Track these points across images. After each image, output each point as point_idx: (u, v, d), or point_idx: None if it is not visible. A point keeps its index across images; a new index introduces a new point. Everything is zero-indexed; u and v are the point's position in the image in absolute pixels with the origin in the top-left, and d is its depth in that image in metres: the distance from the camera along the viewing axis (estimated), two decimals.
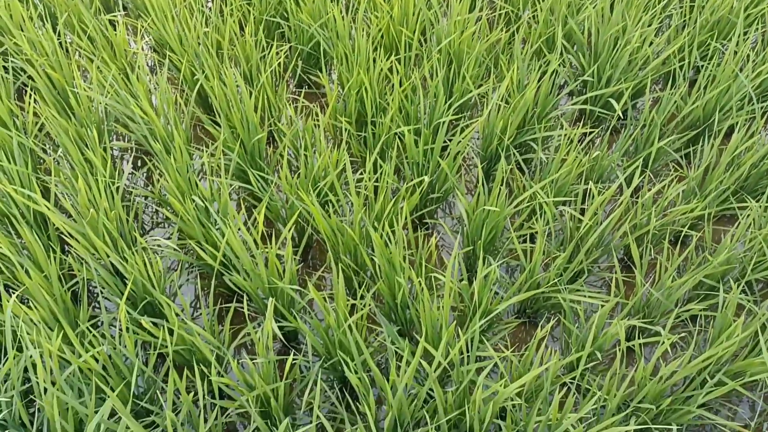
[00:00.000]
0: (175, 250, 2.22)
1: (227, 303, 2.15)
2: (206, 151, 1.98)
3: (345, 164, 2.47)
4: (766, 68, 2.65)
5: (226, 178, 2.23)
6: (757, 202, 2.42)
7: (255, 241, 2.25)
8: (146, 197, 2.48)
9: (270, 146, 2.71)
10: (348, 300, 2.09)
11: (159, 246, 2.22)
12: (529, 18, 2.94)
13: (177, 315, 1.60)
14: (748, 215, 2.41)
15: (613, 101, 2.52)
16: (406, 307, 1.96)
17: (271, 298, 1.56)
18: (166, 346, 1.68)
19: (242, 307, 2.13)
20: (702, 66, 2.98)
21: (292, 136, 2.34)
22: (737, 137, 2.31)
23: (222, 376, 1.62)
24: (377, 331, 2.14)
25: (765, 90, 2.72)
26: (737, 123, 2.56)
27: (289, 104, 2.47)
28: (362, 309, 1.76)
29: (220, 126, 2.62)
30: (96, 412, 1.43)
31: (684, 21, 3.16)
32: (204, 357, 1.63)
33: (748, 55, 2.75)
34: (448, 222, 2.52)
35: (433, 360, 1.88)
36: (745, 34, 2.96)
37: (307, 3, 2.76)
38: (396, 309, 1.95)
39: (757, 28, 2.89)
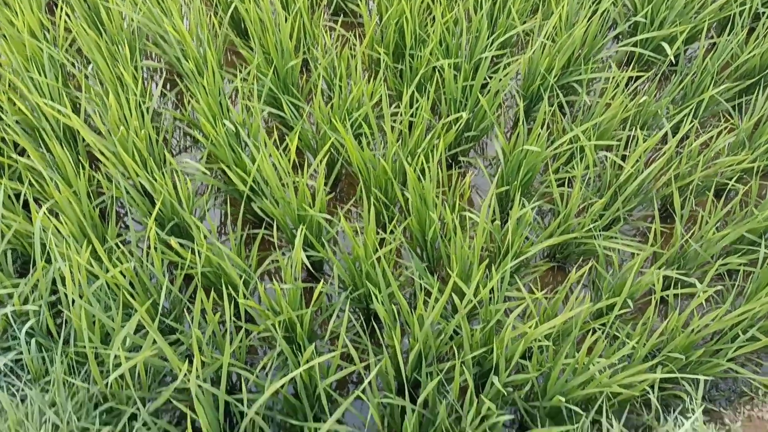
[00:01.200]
0: (204, 174, 2.20)
1: (254, 230, 2.13)
2: (239, 76, 1.92)
3: (381, 96, 2.39)
4: None
5: (258, 104, 2.18)
6: None
7: (286, 168, 2.22)
8: (176, 119, 2.44)
9: (303, 75, 2.64)
10: (378, 233, 2.06)
11: (188, 168, 2.20)
12: None
13: (205, 237, 1.59)
14: None
15: (665, 45, 2.38)
16: (436, 244, 1.92)
17: (301, 225, 1.53)
18: (193, 267, 1.67)
19: (270, 235, 2.12)
20: (763, 13, 2.80)
21: (326, 65, 2.27)
22: None
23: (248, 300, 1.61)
24: (405, 266, 2.11)
25: None
26: None
27: (325, 32, 2.38)
28: (392, 243, 1.72)
29: (253, 51, 2.55)
30: (123, 327, 1.43)
31: None
32: (230, 280, 1.62)
33: None
34: (483, 163, 2.45)
35: (460, 298, 1.85)
36: None
37: None
38: (425, 246, 1.92)
39: None
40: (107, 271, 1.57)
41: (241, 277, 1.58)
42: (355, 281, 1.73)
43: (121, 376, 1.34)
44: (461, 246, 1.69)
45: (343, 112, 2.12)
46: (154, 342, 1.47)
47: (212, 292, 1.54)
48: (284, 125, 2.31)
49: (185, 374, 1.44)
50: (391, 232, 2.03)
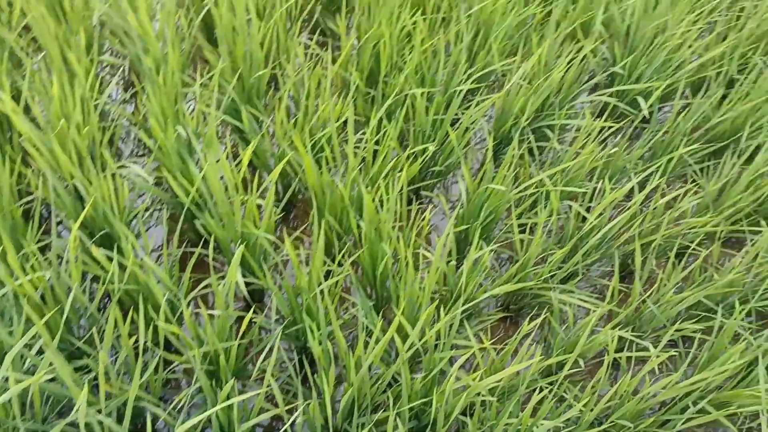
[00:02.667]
0: (145, 180, 2.08)
1: (194, 248, 2.01)
2: (198, 80, 1.81)
3: (348, 119, 2.31)
4: None
5: (217, 112, 2.07)
6: None
7: (235, 183, 2.10)
8: (131, 123, 2.31)
9: (271, 89, 2.54)
10: (325, 263, 1.95)
11: (131, 174, 2.07)
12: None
13: (134, 249, 1.46)
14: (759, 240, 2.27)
15: (641, 99, 2.36)
16: (386, 281, 1.82)
17: (240, 244, 1.42)
18: (114, 283, 1.54)
19: (212, 256, 1.99)
20: (737, 79, 2.81)
21: (296, 82, 2.18)
22: (762, 157, 2.16)
23: (173, 323, 1.48)
24: (350, 303, 2.01)
25: None
26: (766, 143, 2.41)
27: (300, 47, 2.29)
28: (339, 275, 1.62)
29: (220, 57, 2.45)
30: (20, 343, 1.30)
31: (728, 28, 2.98)
32: (155, 301, 1.49)
33: None
34: (445, 200, 2.37)
35: (405, 341, 1.75)
36: None
37: None
38: (375, 282, 1.82)
39: None
40: (17, 279, 1.43)
41: (165, 296, 1.45)
42: (294, 314, 1.62)
43: (10, 401, 1.20)
44: (411, 284, 1.60)
45: (305, 132, 2.03)
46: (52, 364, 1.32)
47: (131, 313, 1.41)
48: (243, 139, 2.21)
49: (88, 405, 1.30)
50: (340, 264, 1.93)
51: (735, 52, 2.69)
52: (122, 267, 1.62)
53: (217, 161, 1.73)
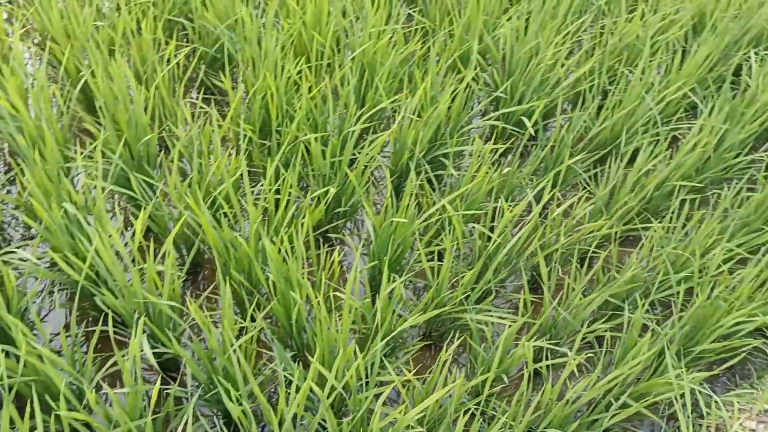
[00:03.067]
0: (38, 265, 1.97)
1: (103, 327, 1.91)
2: (81, 153, 1.75)
3: (243, 173, 2.29)
4: (670, 92, 2.71)
5: (105, 183, 2.01)
6: (659, 223, 2.44)
7: (131, 254, 2.03)
8: (7, 203, 2.20)
9: (161, 153, 2.49)
10: (237, 321, 1.91)
11: (17, 260, 1.95)
12: (445, 33, 2.89)
13: (25, 336, 1.37)
14: (652, 236, 2.42)
15: (524, 119, 2.49)
16: (302, 329, 1.80)
17: (142, 316, 1.36)
18: (12, 377, 1.43)
19: (116, 332, 1.90)
20: (610, 90, 3.02)
21: (186, 142, 2.15)
22: (642, 159, 2.32)
23: (80, 410, 1.39)
24: (269, 357, 1.96)
25: (668, 114, 2.78)
26: (642, 145, 2.59)
27: (186, 108, 2.27)
28: (252, 330, 1.58)
29: (102, 126, 2.38)
30: None
31: (594, 45, 3.22)
32: (56, 390, 1.40)
33: (653, 82, 2.82)
34: (354, 240, 2.38)
35: (325, 386, 1.72)
36: (650, 61, 3.03)
37: (215, 4, 2.58)
38: (291, 332, 1.79)
39: (662, 57, 2.97)
40: None
41: (63, 381, 1.37)
42: (211, 378, 1.56)
43: None
44: (327, 328, 1.58)
45: (202, 190, 1.99)
46: None
47: (29, 404, 1.31)
48: (138, 207, 2.14)
49: None
50: (253, 319, 1.88)
51: (603, 66, 2.90)
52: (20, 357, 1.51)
53: (110, 235, 1.67)
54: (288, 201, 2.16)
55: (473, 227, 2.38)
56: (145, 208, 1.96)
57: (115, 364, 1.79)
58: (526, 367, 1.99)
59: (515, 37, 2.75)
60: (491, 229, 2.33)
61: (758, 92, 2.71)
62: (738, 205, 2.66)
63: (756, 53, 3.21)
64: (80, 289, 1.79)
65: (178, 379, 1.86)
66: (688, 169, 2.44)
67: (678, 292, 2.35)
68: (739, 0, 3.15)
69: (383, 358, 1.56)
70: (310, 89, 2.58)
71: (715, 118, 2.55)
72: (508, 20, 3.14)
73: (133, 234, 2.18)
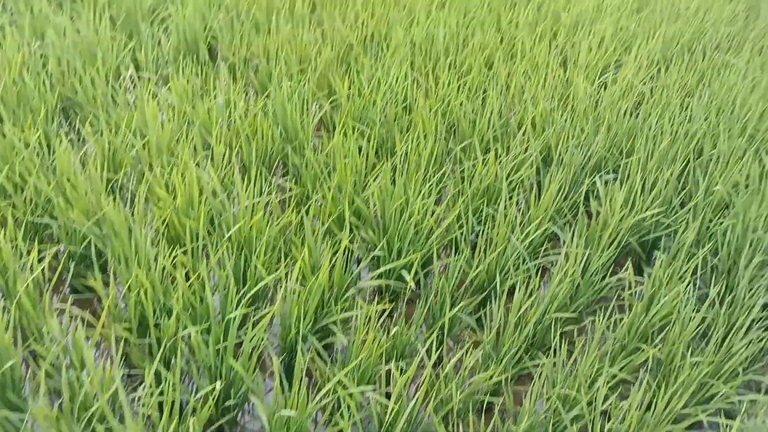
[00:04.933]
0: None
1: None
2: None
3: (116, 385, 2.15)
4: (532, 229, 2.93)
5: None
6: (546, 358, 2.53)
7: None
8: None
9: (28, 371, 2.31)
10: None
11: None
12: (319, 198, 3.00)
13: None
14: (541, 373, 2.50)
15: (405, 273, 2.57)
16: None
17: None
18: None
19: None
20: (480, 231, 3.22)
21: (55, 357, 2.01)
22: (519, 296, 2.45)
23: None
24: None
25: (536, 248, 2.98)
26: (517, 282, 2.74)
27: (55, 319, 2.15)
28: None
29: None
30: None
31: (458, 190, 3.46)
32: None
33: (516, 217, 3.04)
34: (256, 426, 2.27)
35: None
36: (510, 198, 3.29)
37: (79, 200, 2.54)
38: None
39: (519, 193, 3.23)
40: None
41: None
42: None
43: None
44: None
45: (75, 413, 1.84)
46: None
47: None
48: None
49: None
50: None
51: (469, 209, 3.11)
52: None
53: None
54: (173, 403, 2.04)
55: (370, 396, 2.35)
56: None
57: None
58: None
59: (384, 198, 2.90)
60: (388, 396, 2.31)
61: (608, 216, 2.99)
62: (613, 329, 2.83)
63: (600, 176, 3.58)
64: None
65: None
66: (563, 299, 2.60)
67: None
68: (576, 131, 3.56)
69: None
70: (187, 276, 2.54)
71: (576, 245, 2.76)
72: (374, 180, 3.31)
73: None
